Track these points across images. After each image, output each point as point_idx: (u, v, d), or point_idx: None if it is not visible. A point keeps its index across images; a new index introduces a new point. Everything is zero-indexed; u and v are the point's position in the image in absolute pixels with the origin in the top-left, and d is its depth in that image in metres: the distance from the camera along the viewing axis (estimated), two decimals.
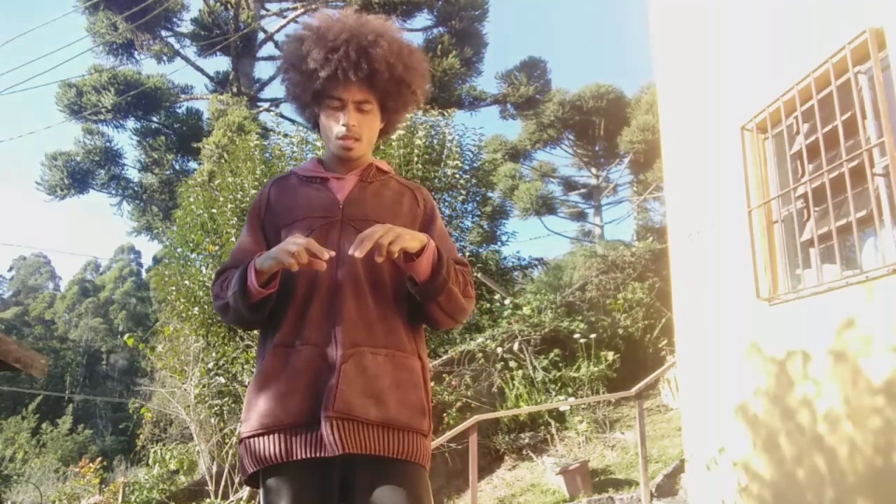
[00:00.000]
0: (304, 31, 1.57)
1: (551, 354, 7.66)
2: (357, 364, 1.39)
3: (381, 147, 8.04)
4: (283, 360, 1.42)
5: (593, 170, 21.90)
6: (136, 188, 17.44)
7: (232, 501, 4.83)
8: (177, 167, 16.80)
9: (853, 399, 2.83)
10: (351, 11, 1.59)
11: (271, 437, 1.38)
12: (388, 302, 1.49)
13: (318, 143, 8.56)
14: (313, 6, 16.47)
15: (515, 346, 7.69)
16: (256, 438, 1.40)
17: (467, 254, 9.58)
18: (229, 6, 16.21)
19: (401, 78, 1.55)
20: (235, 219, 8.09)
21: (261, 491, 1.43)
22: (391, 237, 1.35)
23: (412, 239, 1.40)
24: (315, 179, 1.60)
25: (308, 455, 1.35)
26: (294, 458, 1.36)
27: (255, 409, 1.42)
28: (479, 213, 10.39)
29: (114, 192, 17.32)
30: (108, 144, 16.93)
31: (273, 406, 1.39)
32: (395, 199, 1.60)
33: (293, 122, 15.17)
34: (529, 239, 39.91)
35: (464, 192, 9.27)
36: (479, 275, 8.95)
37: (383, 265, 1.48)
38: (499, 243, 11.56)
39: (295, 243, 1.35)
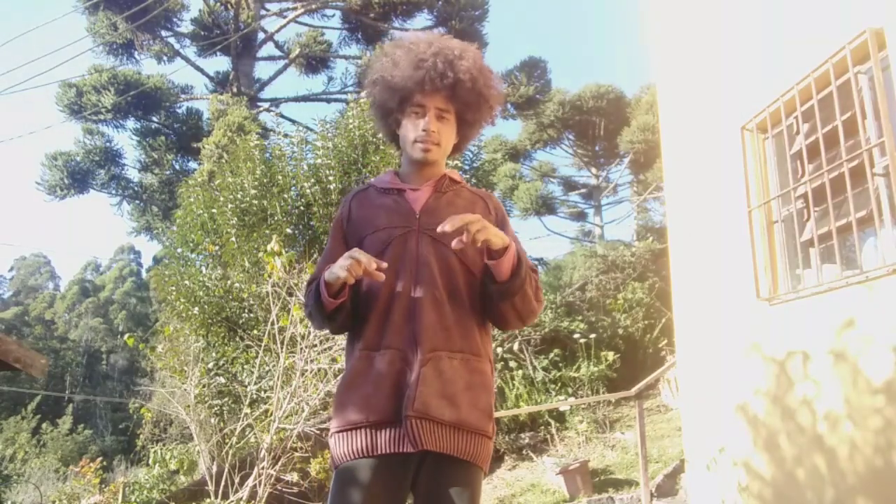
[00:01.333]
0: (394, 48, 1.72)
1: (551, 354, 7.67)
2: (435, 367, 1.51)
3: (382, 147, 8.03)
4: (368, 362, 1.55)
5: (593, 170, 21.88)
6: (136, 188, 17.44)
7: (232, 501, 4.83)
8: (177, 167, 16.80)
9: (853, 399, 2.83)
10: (436, 34, 1.76)
11: (358, 432, 1.51)
12: (463, 307, 1.60)
13: (318, 144, 8.56)
14: (313, 6, 16.48)
15: (515, 346, 7.69)
16: (345, 433, 1.53)
17: None
18: (229, 6, 16.22)
19: (481, 91, 1.68)
20: (235, 219, 8.09)
21: (335, 477, 1.54)
22: (479, 226, 1.45)
23: (497, 236, 1.49)
24: (392, 191, 1.72)
25: (390, 450, 1.48)
26: (378, 452, 1.49)
27: (344, 408, 1.56)
28: None
29: (114, 192, 17.32)
30: (108, 144, 16.93)
31: (360, 405, 1.52)
32: (468, 207, 1.70)
33: (293, 122, 15.20)
34: (529, 239, 39.78)
35: None
36: None
37: (458, 272, 1.61)
38: None
39: (349, 257, 1.46)
